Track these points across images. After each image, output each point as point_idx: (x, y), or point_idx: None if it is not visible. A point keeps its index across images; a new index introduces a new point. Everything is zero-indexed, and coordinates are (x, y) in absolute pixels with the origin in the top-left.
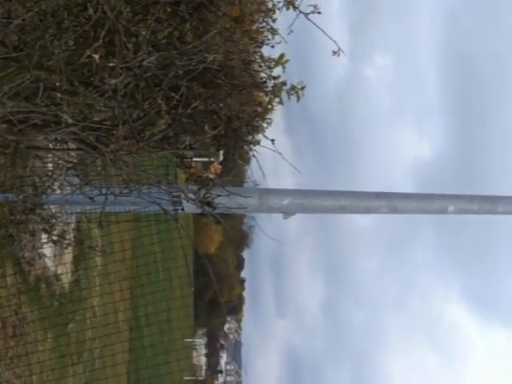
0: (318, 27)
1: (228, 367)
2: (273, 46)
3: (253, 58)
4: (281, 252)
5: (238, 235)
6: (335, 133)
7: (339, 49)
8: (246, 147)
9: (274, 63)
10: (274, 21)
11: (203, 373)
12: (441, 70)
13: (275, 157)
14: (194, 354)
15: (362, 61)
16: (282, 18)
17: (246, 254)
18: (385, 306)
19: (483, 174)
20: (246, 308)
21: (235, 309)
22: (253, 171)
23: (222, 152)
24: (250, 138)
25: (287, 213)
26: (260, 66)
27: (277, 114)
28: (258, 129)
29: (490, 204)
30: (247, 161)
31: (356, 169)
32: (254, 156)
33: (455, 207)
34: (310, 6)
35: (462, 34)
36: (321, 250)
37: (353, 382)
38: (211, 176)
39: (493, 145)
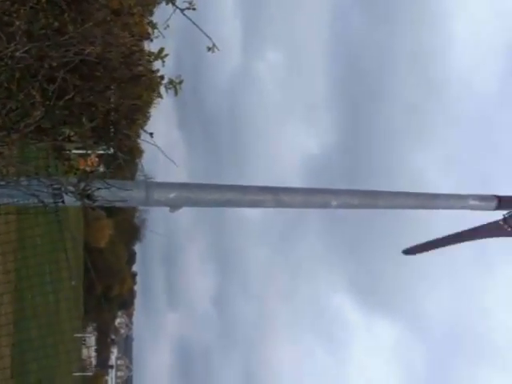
0: (193, 23)
1: (119, 362)
2: (151, 40)
3: (132, 52)
4: (173, 245)
5: (129, 229)
6: (228, 127)
7: (214, 45)
8: (133, 140)
9: (153, 57)
10: (151, 15)
11: (93, 368)
12: (329, 66)
13: (167, 150)
14: (84, 349)
15: (254, 56)
16: (177, 16)
17: (137, 247)
18: (274, 296)
19: (369, 168)
20: (138, 302)
21: (126, 303)
22: (144, 164)
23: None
24: (129, 131)
25: (173, 206)
26: (140, 60)
27: (169, 108)
28: (136, 122)
29: (370, 198)
30: (139, 154)
31: (247, 163)
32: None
33: (338, 201)
34: (186, 1)
35: (349, 30)
36: (212, 243)
37: (243, 372)
38: (88, 168)
39: (377, 139)
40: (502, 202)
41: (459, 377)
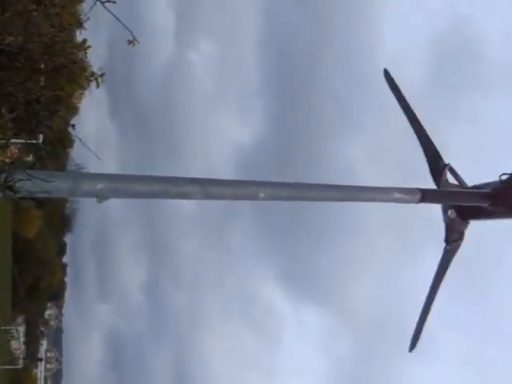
0: (114, 16)
1: (48, 354)
2: (80, 30)
3: (54, 42)
4: (104, 236)
5: (59, 219)
6: (160, 117)
7: (134, 38)
8: (55, 132)
9: (76, 49)
10: (79, 3)
11: (21, 361)
12: (261, 56)
13: (99, 140)
14: (12, 341)
15: (187, 45)
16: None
17: (68, 238)
18: (205, 286)
19: (299, 158)
20: (68, 293)
21: (56, 294)
22: (76, 155)
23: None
24: (50, 122)
25: (101, 197)
26: (62, 51)
27: (102, 98)
28: (58, 113)
29: (297, 191)
30: (69, 144)
31: (180, 153)
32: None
33: (265, 194)
34: None
35: (281, 21)
36: (144, 233)
37: (175, 362)
38: (7, 160)
39: (308, 130)
40: (425, 195)
41: (384, 363)
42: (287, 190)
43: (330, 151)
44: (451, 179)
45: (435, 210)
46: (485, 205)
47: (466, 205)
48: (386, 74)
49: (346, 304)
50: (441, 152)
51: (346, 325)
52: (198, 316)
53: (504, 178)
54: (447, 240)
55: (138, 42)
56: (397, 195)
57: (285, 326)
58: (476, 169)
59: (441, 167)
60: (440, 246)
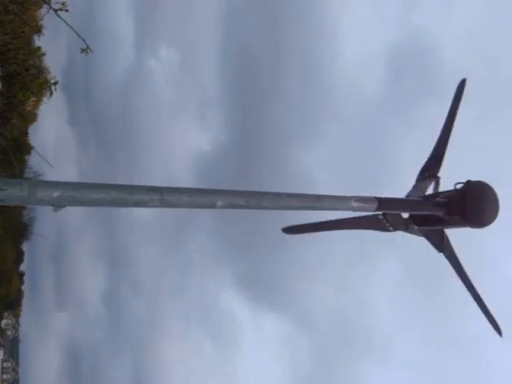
0: (67, 24)
1: (5, 365)
2: (36, 39)
3: (8, 49)
4: (62, 244)
5: (16, 227)
6: (120, 124)
7: (87, 47)
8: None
9: (29, 56)
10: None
11: None
12: (221, 64)
13: (58, 148)
14: None
15: (147, 53)
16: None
17: (25, 246)
18: (164, 294)
19: (259, 165)
20: (25, 302)
21: (13, 303)
22: (33, 162)
23: None
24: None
25: (57, 205)
26: (15, 58)
27: (61, 105)
28: (11, 121)
29: (255, 199)
30: (27, 151)
31: (139, 161)
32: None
33: (223, 202)
34: (58, 2)
35: (242, 29)
36: (102, 241)
37: (134, 371)
38: None
39: (268, 138)
40: (382, 203)
41: (342, 369)
42: (245, 199)
43: (288, 159)
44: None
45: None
46: (440, 214)
47: (420, 214)
48: (287, 230)
49: (303, 310)
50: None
51: (304, 330)
52: (157, 324)
53: (459, 187)
54: (438, 248)
55: (92, 51)
56: (354, 204)
57: (244, 332)
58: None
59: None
60: (395, 254)
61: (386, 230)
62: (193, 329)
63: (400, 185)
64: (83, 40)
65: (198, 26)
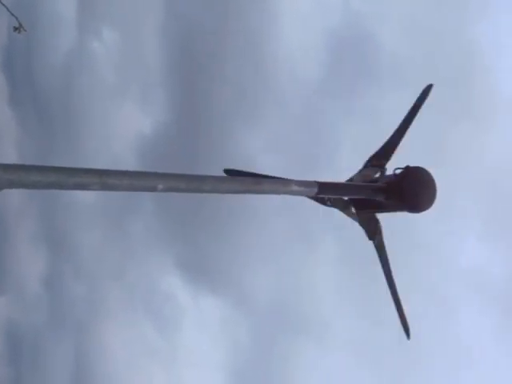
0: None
1: None
2: None
3: None
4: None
5: None
6: (62, 106)
7: (20, 25)
8: None
9: None
10: None
11: None
12: (164, 46)
13: None
14: None
15: (89, 34)
16: None
17: None
18: (106, 278)
19: (202, 148)
20: None
21: None
22: None
23: None
24: None
25: None
26: None
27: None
28: None
29: (196, 183)
30: None
31: (81, 143)
32: None
33: (164, 185)
34: None
35: (183, 9)
36: (43, 224)
37: (76, 355)
38: None
39: (211, 120)
40: (322, 187)
41: (279, 349)
42: (186, 182)
43: (230, 142)
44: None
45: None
46: (380, 198)
47: (361, 198)
48: (228, 172)
49: (244, 292)
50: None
51: (244, 313)
52: (99, 307)
53: (398, 172)
54: (369, 236)
55: (25, 30)
56: (295, 187)
57: (185, 315)
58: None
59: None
60: (334, 238)
61: (324, 203)
62: (135, 312)
63: (339, 168)
64: (16, 18)
65: (139, 6)
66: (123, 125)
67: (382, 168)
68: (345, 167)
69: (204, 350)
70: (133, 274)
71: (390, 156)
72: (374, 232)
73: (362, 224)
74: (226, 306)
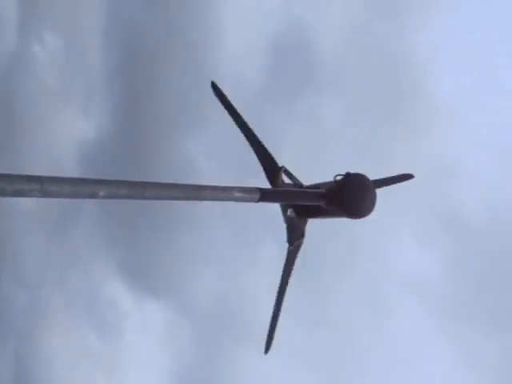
0: None
1: None
2: None
3: None
4: None
5: None
6: (0, 111)
7: None
8: None
9: None
10: None
11: None
12: (107, 51)
13: None
14: None
15: (31, 38)
16: None
17: None
18: (48, 285)
19: (144, 153)
20: None
21: None
22: None
23: None
24: None
25: None
26: None
27: None
28: None
29: (138, 189)
30: None
31: (21, 149)
32: None
33: (106, 192)
34: None
35: (128, 14)
36: None
37: (16, 362)
38: None
39: (154, 126)
40: (264, 194)
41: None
42: (128, 189)
43: (173, 148)
44: (287, 181)
45: (271, 209)
46: (320, 204)
47: (303, 204)
48: (214, 86)
49: (187, 297)
50: (274, 155)
51: (187, 318)
52: (41, 315)
53: (338, 178)
54: (289, 241)
55: None
56: (237, 194)
57: (128, 320)
58: (312, 168)
59: (276, 170)
60: (275, 244)
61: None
62: (77, 318)
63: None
64: None
65: (82, 10)
66: (64, 130)
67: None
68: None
69: (147, 353)
70: (75, 279)
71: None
72: (295, 239)
73: (289, 227)
74: (168, 311)
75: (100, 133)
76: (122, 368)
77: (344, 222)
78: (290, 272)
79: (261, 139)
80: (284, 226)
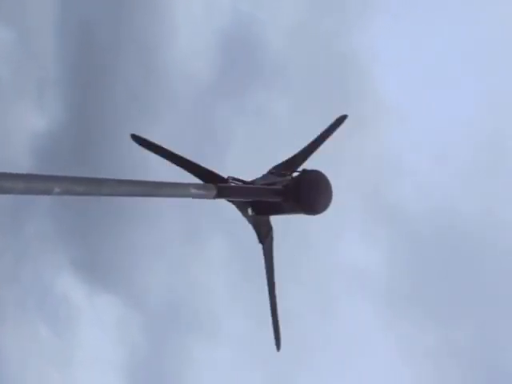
0: None
1: None
2: None
3: None
4: None
5: None
6: None
7: None
8: None
9: None
10: None
11: None
12: (60, 43)
13: None
14: None
15: None
16: None
17: None
18: None
19: (97, 150)
20: None
21: None
22: None
23: None
24: None
25: None
26: None
27: None
28: None
29: (95, 186)
30: None
31: None
32: None
33: (61, 188)
34: None
35: (81, 8)
36: None
37: None
38: None
39: (106, 121)
40: (221, 190)
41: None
42: (84, 185)
43: (126, 142)
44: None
45: (224, 206)
46: (278, 200)
47: (260, 202)
48: (135, 137)
49: (138, 291)
50: (215, 169)
51: (139, 312)
52: None
53: (294, 175)
54: (260, 239)
55: None
56: (193, 191)
57: (80, 314)
58: (264, 163)
59: (224, 182)
60: (223, 240)
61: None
62: (28, 313)
63: (234, 169)
64: None
65: (34, 3)
66: (18, 125)
67: (287, 176)
68: (237, 166)
69: (99, 348)
70: (26, 274)
71: (296, 169)
72: (265, 236)
73: (254, 227)
74: (120, 305)
75: (53, 127)
76: (74, 362)
77: (290, 218)
78: (272, 268)
79: (202, 165)
80: (243, 225)
